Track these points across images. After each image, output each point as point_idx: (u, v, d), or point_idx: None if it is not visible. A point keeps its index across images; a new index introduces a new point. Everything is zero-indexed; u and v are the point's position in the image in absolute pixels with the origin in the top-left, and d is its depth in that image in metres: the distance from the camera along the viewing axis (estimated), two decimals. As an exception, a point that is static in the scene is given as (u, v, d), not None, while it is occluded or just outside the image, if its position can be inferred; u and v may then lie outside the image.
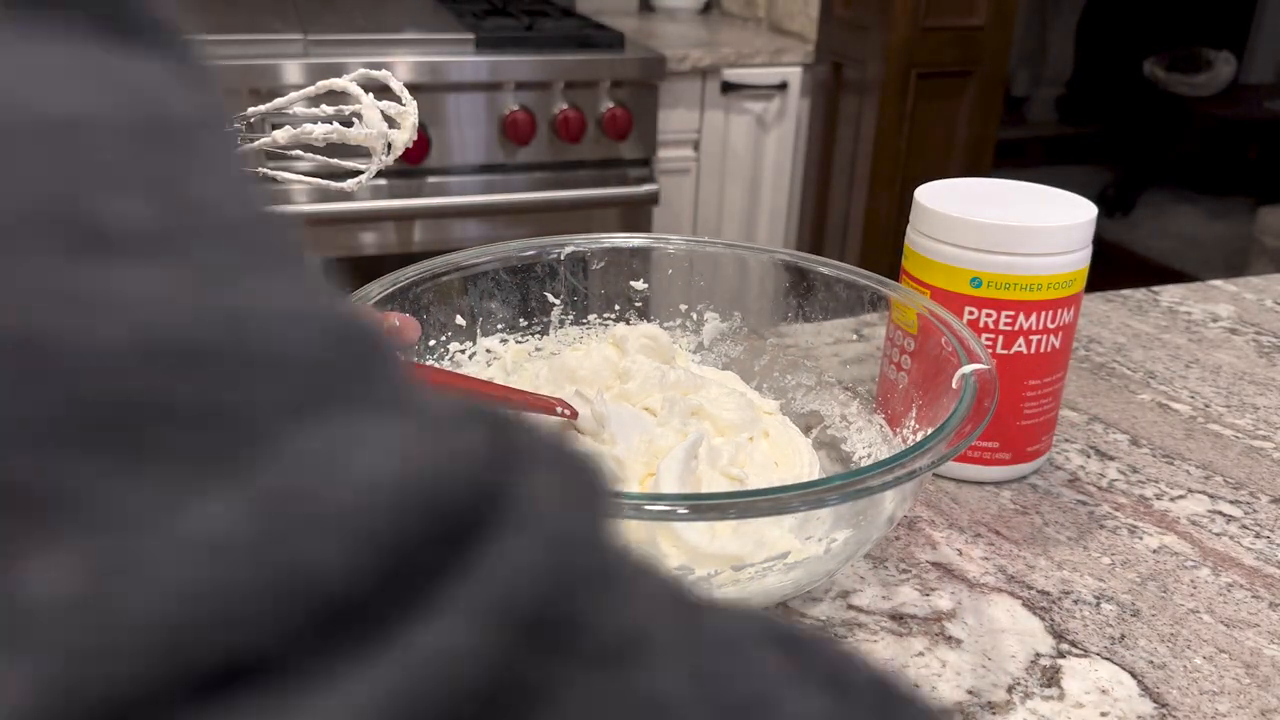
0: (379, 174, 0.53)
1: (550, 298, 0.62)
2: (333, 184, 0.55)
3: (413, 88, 0.54)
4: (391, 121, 0.52)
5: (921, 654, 0.46)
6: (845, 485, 0.39)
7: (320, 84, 0.52)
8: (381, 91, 0.52)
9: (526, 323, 0.62)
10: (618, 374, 0.57)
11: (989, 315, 0.54)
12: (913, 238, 0.57)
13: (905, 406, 0.54)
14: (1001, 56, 1.91)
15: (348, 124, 0.51)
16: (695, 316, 0.63)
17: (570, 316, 0.63)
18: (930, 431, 0.43)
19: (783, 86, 1.99)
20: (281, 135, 0.53)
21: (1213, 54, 3.56)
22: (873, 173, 1.91)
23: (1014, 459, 0.58)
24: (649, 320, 0.63)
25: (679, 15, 2.37)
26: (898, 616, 0.48)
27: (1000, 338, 0.55)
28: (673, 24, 2.28)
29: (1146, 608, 0.49)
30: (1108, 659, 0.46)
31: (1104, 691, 0.44)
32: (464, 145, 1.74)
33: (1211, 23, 3.67)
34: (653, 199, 1.86)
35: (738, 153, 2.03)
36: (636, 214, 1.89)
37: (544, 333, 0.62)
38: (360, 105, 0.51)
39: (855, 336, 0.78)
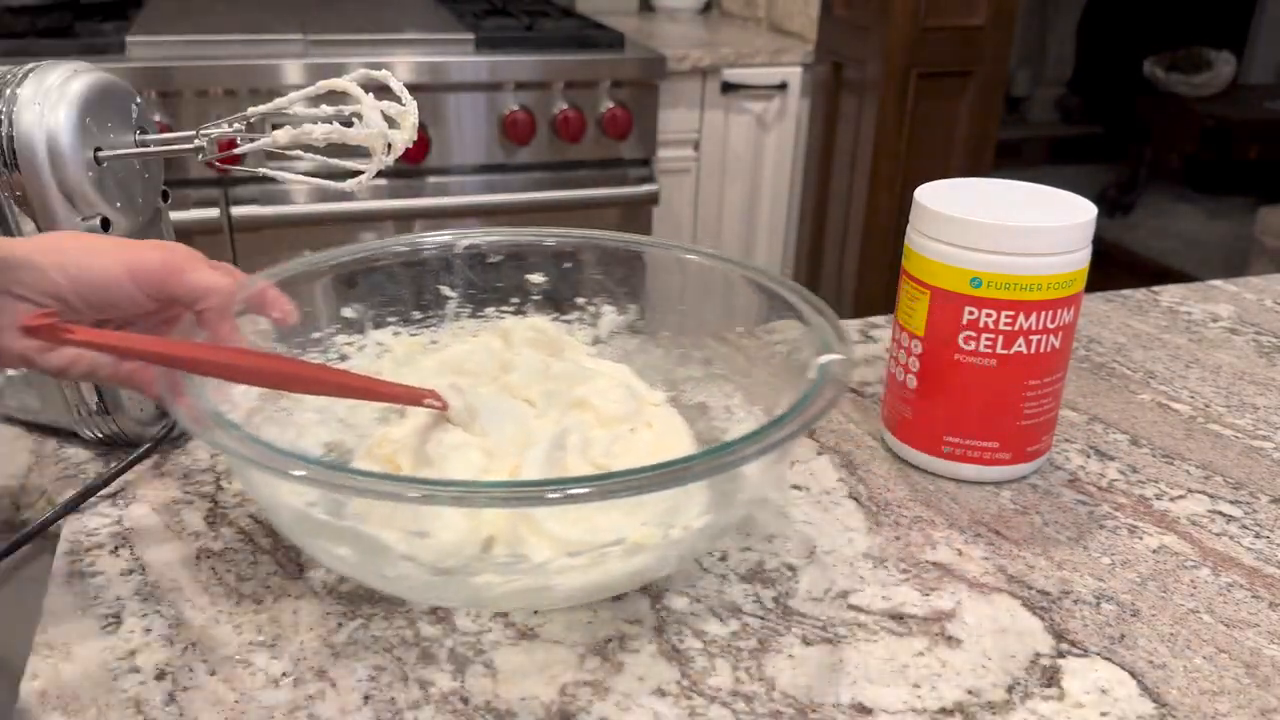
0: (379, 174, 0.53)
1: (446, 291, 0.61)
2: (333, 184, 0.55)
3: (413, 88, 0.54)
4: (391, 121, 0.52)
5: (921, 654, 0.46)
6: (649, 477, 0.39)
7: (320, 84, 0.52)
8: (381, 91, 0.52)
9: (421, 316, 0.61)
10: (502, 366, 0.57)
11: (989, 315, 0.54)
12: (913, 238, 0.57)
13: (776, 399, 0.53)
14: (1001, 56, 1.91)
15: (348, 124, 0.51)
16: (593, 309, 0.63)
17: (467, 310, 0.62)
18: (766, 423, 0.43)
19: (783, 86, 1.99)
20: (281, 135, 0.53)
21: (1213, 54, 3.56)
22: (873, 173, 1.91)
23: (1014, 459, 0.58)
24: (548, 314, 0.63)
25: (679, 15, 2.37)
26: (898, 616, 0.48)
27: (1000, 338, 0.55)
28: (673, 24, 2.28)
29: (1146, 608, 0.49)
30: (1108, 659, 0.46)
31: (1104, 691, 0.44)
32: (464, 145, 1.74)
33: (1211, 23, 3.68)
34: (653, 199, 1.86)
35: (738, 153, 2.03)
36: (636, 214, 1.89)
37: (439, 326, 0.62)
38: (360, 105, 0.51)
39: (861, 337, 0.78)
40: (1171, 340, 0.79)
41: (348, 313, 0.59)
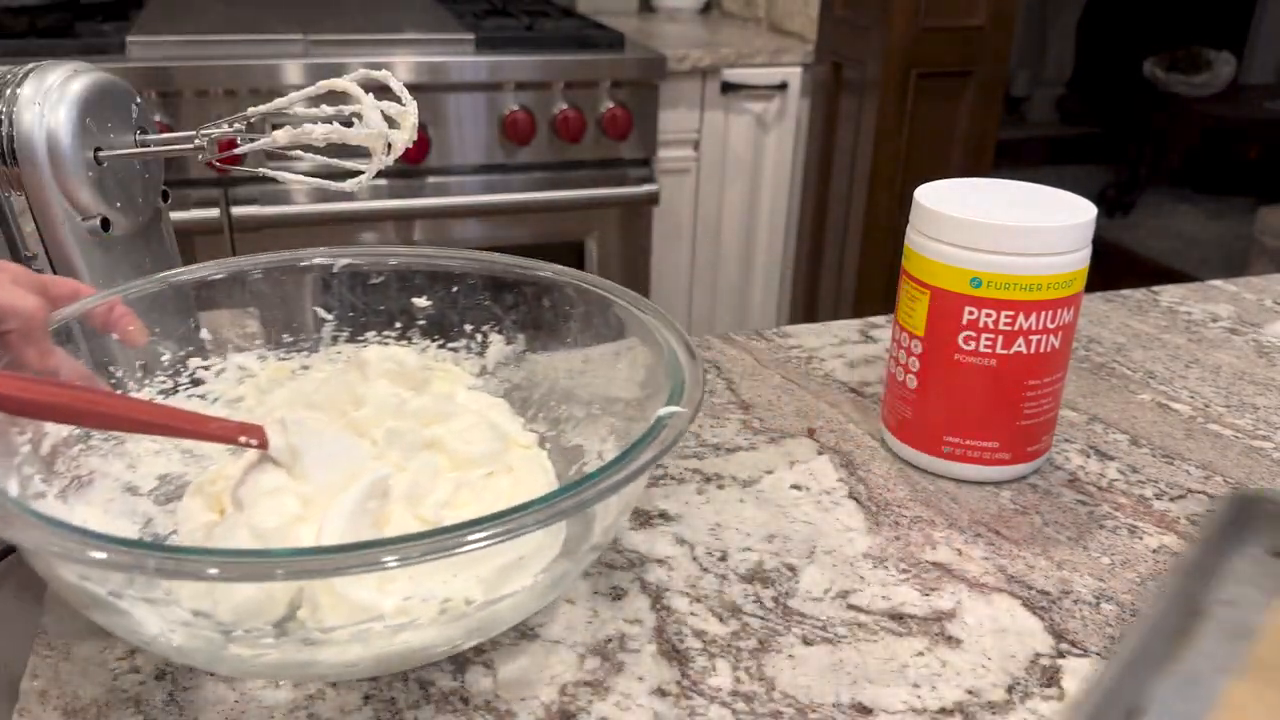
0: (379, 174, 0.53)
1: (321, 313, 0.57)
2: (333, 184, 0.55)
3: (413, 88, 0.54)
4: (391, 121, 0.52)
5: (921, 654, 0.46)
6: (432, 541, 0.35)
7: (320, 84, 0.52)
8: (381, 91, 0.52)
9: (293, 339, 0.56)
10: (354, 400, 0.52)
11: (989, 315, 0.54)
12: (913, 238, 0.57)
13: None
14: (1001, 56, 1.91)
15: (348, 124, 0.52)
16: (481, 338, 0.58)
17: (345, 334, 0.57)
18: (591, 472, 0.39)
19: (783, 86, 1.99)
20: (281, 135, 0.53)
21: (1213, 54, 3.56)
22: (873, 173, 1.91)
23: (1014, 459, 0.58)
24: (434, 340, 0.58)
25: (679, 15, 2.38)
26: (898, 616, 0.48)
27: (1000, 338, 0.55)
28: (673, 24, 2.28)
29: (1146, 608, 0.49)
30: (1107, 659, 0.46)
31: (1104, 691, 0.44)
32: (464, 145, 1.74)
33: (1211, 23, 3.68)
34: (653, 199, 1.86)
35: (738, 153, 2.03)
36: (636, 214, 1.89)
37: (314, 350, 0.57)
38: (360, 105, 0.51)
39: (862, 338, 0.78)
40: (1171, 340, 0.79)
41: (205, 334, 0.54)
